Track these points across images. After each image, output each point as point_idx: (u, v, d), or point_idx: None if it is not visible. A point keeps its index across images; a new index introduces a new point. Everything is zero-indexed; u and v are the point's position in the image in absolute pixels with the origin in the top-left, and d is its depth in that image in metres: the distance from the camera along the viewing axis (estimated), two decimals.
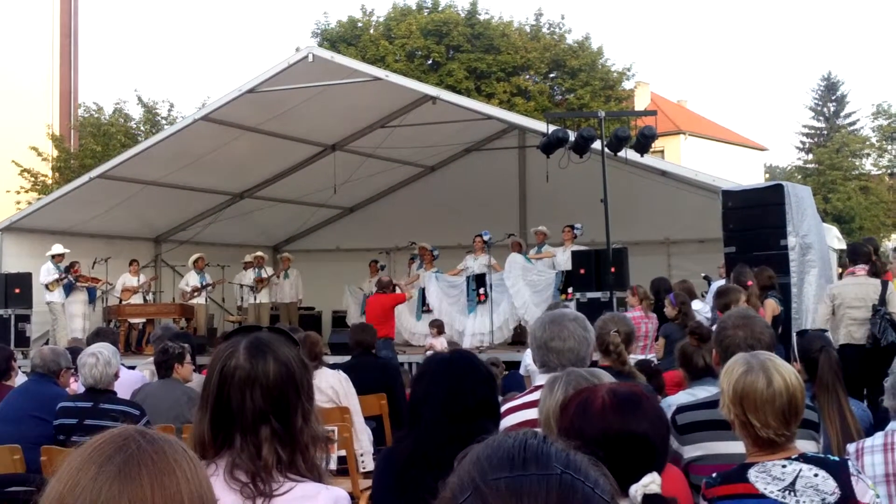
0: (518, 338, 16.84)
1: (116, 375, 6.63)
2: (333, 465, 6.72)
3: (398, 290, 16.08)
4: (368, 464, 7.04)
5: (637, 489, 2.40)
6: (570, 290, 15.12)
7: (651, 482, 2.41)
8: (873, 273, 10.01)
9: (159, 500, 1.32)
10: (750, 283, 9.90)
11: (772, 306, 10.18)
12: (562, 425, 2.65)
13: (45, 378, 7.00)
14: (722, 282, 12.80)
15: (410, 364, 14.24)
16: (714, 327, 5.09)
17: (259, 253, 19.99)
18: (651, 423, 2.63)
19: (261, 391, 2.49)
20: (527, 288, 16.15)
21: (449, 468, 1.40)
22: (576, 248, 15.82)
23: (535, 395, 3.81)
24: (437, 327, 15.46)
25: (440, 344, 14.53)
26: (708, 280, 15.01)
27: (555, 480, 1.29)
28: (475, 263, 16.89)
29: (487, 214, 18.91)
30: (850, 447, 3.90)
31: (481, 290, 16.63)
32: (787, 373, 3.18)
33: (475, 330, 16.44)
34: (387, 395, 8.43)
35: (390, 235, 20.56)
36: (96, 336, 8.55)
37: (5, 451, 6.12)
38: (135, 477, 1.32)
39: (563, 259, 16.00)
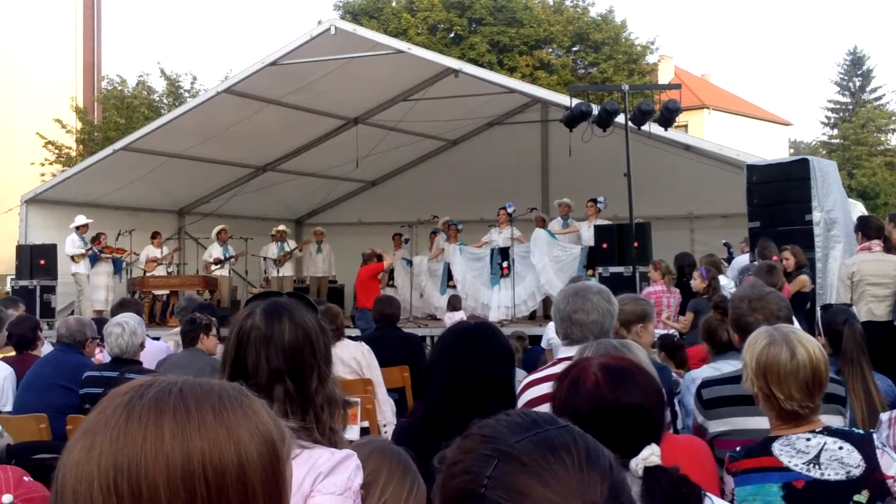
0: (542, 312, 16.85)
1: (142, 346, 6.68)
2: (357, 437, 6.77)
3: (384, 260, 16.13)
4: (391, 435, 7.08)
5: (637, 462, 2.39)
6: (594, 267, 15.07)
7: (651, 454, 2.41)
8: (887, 249, 9.90)
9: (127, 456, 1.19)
10: (775, 258, 9.86)
11: (804, 282, 10.18)
12: (555, 405, 2.64)
13: (71, 348, 7.06)
14: (744, 256, 12.76)
15: (433, 338, 14.25)
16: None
17: (282, 227, 20.04)
18: (645, 394, 2.63)
19: (276, 350, 2.54)
20: (552, 264, 16.12)
21: (455, 437, 1.41)
22: (599, 222, 15.77)
23: (558, 368, 3.82)
24: (453, 304, 15.18)
25: (453, 319, 14.25)
26: (728, 247, 14.93)
27: (573, 430, 1.33)
28: (499, 237, 16.86)
29: (510, 188, 18.87)
30: (884, 416, 3.88)
31: (504, 264, 16.60)
32: (810, 345, 3.17)
33: (500, 303, 16.41)
34: (409, 368, 8.48)
35: (412, 209, 20.55)
36: (121, 307, 8.58)
37: (32, 419, 6.19)
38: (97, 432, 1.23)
39: (588, 234, 15.92)
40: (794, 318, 4.41)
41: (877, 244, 9.79)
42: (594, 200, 16.25)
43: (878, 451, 3.00)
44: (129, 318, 6.63)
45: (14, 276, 16.96)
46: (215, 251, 19.08)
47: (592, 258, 15.32)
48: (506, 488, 1.26)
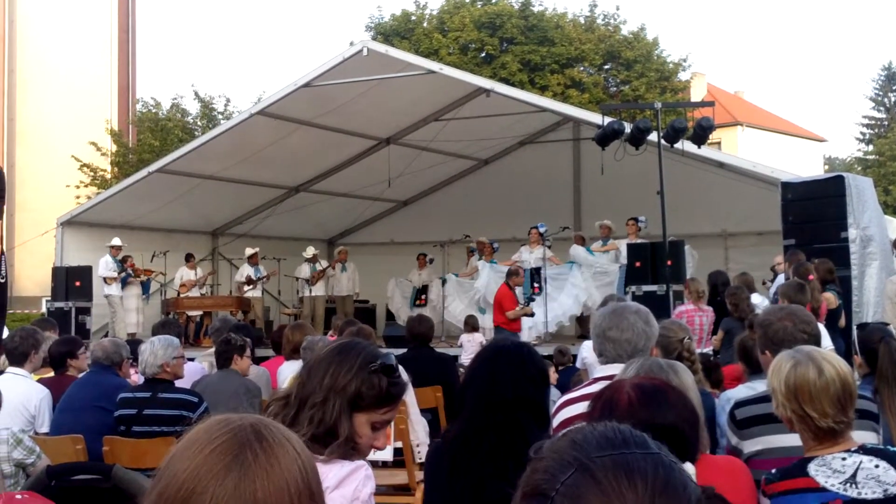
0: (579, 331, 16.78)
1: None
2: (390, 457, 6.77)
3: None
4: (424, 455, 7.06)
5: None
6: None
7: None
8: None
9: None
10: (811, 276, 9.77)
11: (828, 299, 10.05)
12: None
13: (107, 369, 7.09)
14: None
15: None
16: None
17: (310, 249, 20.02)
18: (679, 414, 2.66)
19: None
20: (591, 281, 16.04)
21: (487, 455, 1.42)
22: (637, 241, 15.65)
23: (594, 388, 3.80)
24: (471, 325, 14.37)
25: (472, 340, 13.74)
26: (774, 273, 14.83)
27: (658, 459, 1.33)
28: (531, 256, 16.79)
29: (542, 207, 18.85)
30: None
31: (535, 284, 16.51)
32: (834, 360, 3.20)
33: (530, 323, 16.28)
34: (443, 388, 8.45)
35: (444, 229, 20.56)
36: (162, 327, 8.64)
37: (68, 440, 6.22)
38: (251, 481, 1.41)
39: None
40: (821, 335, 4.37)
41: None
42: (635, 219, 16.12)
43: None
44: (156, 339, 6.67)
45: (50, 298, 17.10)
46: (247, 271, 19.18)
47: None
48: (572, 499, 1.27)
